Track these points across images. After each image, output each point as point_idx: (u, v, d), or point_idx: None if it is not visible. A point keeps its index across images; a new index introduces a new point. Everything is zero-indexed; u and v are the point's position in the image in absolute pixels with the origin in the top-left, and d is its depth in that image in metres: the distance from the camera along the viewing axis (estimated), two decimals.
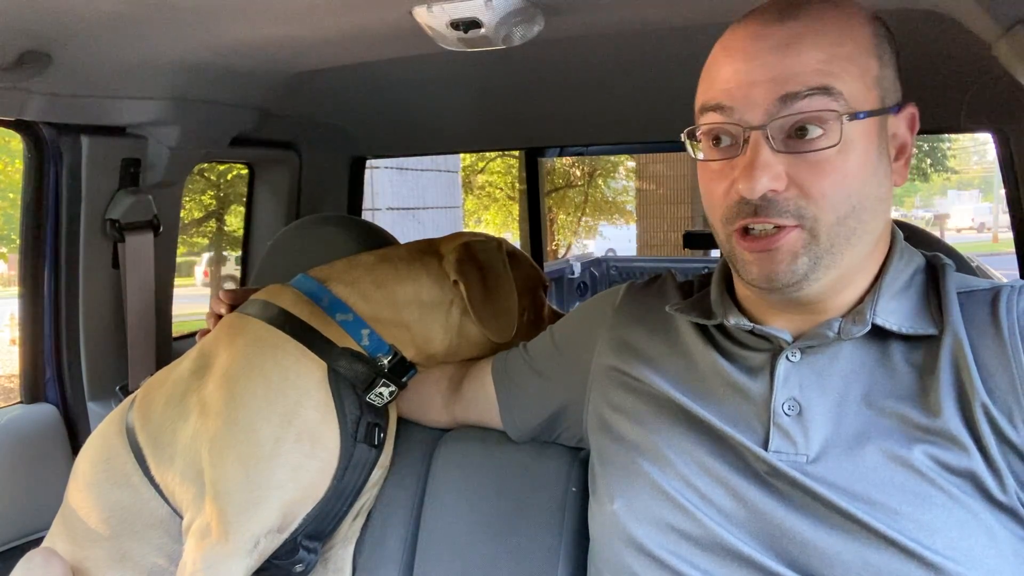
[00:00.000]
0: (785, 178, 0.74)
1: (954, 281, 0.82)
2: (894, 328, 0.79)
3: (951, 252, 0.97)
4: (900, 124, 0.80)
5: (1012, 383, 0.74)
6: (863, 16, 0.78)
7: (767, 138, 0.74)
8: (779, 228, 0.76)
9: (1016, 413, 0.73)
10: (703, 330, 0.91)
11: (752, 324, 0.85)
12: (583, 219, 13.07)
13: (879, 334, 0.80)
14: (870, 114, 0.75)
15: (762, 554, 0.77)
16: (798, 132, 0.74)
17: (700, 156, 0.81)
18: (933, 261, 0.87)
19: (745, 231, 0.78)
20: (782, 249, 0.76)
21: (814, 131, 0.74)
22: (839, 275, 0.79)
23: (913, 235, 0.94)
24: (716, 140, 0.79)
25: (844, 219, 0.75)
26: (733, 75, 0.76)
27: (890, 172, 0.79)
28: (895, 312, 0.80)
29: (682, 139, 0.82)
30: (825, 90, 0.73)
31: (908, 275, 0.84)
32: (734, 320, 0.86)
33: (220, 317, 1.19)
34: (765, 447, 0.80)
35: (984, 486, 0.73)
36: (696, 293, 0.96)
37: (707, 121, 0.79)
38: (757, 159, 0.74)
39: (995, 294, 0.80)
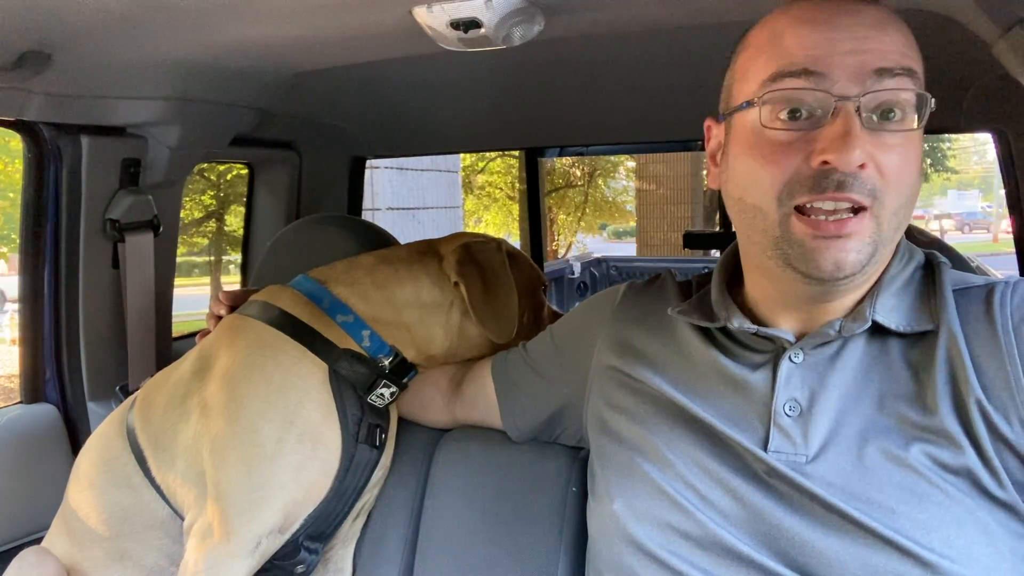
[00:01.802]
0: (869, 157, 0.72)
1: (950, 278, 0.82)
2: (892, 326, 0.79)
3: (949, 250, 0.97)
4: None
5: (1006, 379, 0.74)
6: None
7: (858, 111, 0.71)
8: (853, 212, 0.72)
9: (1011, 409, 0.73)
10: (704, 331, 0.91)
11: (756, 327, 0.85)
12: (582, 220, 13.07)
13: (878, 332, 0.81)
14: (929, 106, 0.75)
15: (761, 554, 0.77)
16: (883, 113, 0.72)
17: (778, 123, 0.75)
18: (931, 258, 0.87)
19: (802, 214, 0.74)
20: (854, 236, 0.73)
21: (897, 113, 0.72)
22: (877, 270, 0.79)
23: (911, 233, 0.94)
24: (794, 112, 0.74)
25: (900, 208, 0.74)
26: (824, 42, 0.73)
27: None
28: (894, 310, 0.80)
29: (753, 102, 0.76)
30: (911, 72, 0.72)
31: (908, 273, 0.84)
32: (738, 323, 0.85)
33: (220, 318, 1.19)
34: (764, 447, 0.80)
35: (981, 483, 0.73)
36: (695, 293, 0.96)
37: (785, 86, 0.74)
38: (853, 129, 0.70)
39: (989, 290, 0.80)
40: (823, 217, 0.73)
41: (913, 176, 0.75)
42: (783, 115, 0.74)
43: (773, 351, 0.84)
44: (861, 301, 0.82)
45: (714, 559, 0.79)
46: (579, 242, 13.69)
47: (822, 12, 0.75)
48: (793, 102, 0.74)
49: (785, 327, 0.84)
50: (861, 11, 0.74)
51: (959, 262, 0.91)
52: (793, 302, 0.83)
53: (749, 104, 0.77)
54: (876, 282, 0.82)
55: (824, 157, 0.71)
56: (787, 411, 0.80)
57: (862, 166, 0.71)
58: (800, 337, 0.83)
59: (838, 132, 0.71)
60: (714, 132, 0.87)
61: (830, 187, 0.72)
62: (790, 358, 0.82)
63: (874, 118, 0.72)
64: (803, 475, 0.77)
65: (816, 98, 0.73)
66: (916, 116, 0.73)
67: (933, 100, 0.73)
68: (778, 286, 0.82)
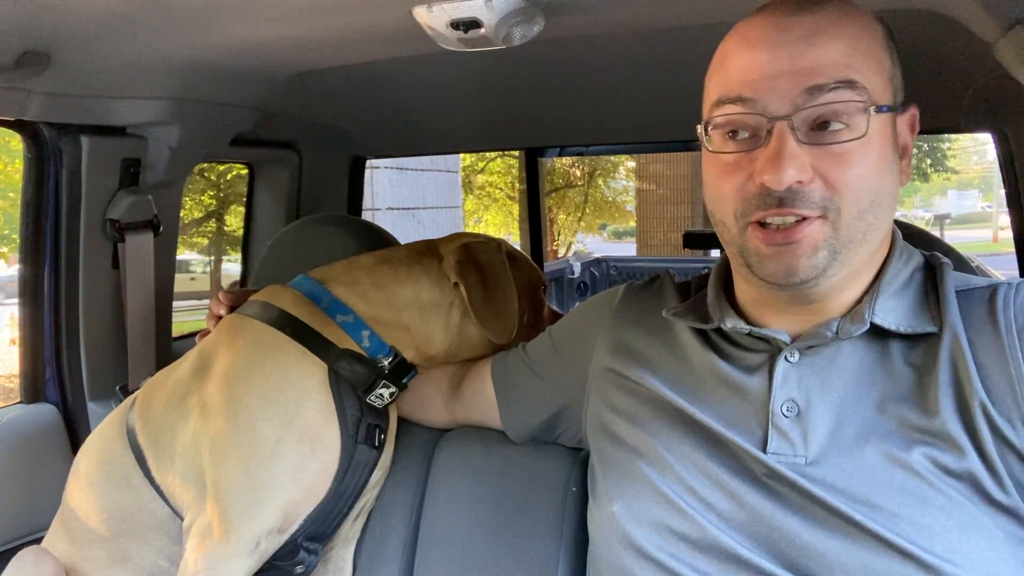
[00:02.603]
0: (810, 170, 0.73)
1: (952, 280, 0.82)
2: (892, 327, 0.79)
3: (950, 251, 0.97)
4: (904, 124, 0.81)
5: (1010, 382, 0.74)
6: (873, 15, 0.79)
7: (792, 129, 0.73)
8: (800, 220, 0.74)
9: (1014, 412, 0.73)
10: (701, 332, 0.91)
11: (749, 327, 0.85)
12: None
13: (878, 334, 0.80)
14: (889, 109, 0.76)
15: (760, 557, 0.76)
16: (822, 125, 0.74)
17: (722, 149, 0.79)
18: (931, 260, 0.86)
19: (761, 225, 0.76)
20: (803, 242, 0.75)
21: (837, 124, 0.73)
22: (850, 272, 0.78)
23: (912, 235, 0.94)
24: (732, 133, 0.77)
25: (863, 213, 0.75)
26: (755, 66, 0.75)
27: (898, 171, 0.80)
28: (893, 311, 0.80)
29: (698, 132, 0.81)
30: (850, 83, 0.73)
31: (907, 274, 0.83)
32: (731, 323, 0.86)
33: (220, 318, 1.19)
34: (763, 449, 0.80)
35: (983, 487, 0.72)
36: (694, 295, 0.96)
37: (725, 112, 0.77)
38: (784, 150, 0.73)
39: (992, 292, 0.80)
40: (776, 226, 0.75)
41: (873, 181, 0.75)
42: (728, 138, 0.78)
43: (769, 352, 0.84)
44: (859, 302, 0.81)
45: (713, 562, 0.78)
46: (579, 242, 13.69)
47: (760, 29, 0.76)
48: (733, 124, 0.77)
49: (778, 327, 0.84)
50: (798, 24, 0.75)
51: (960, 263, 0.91)
52: (778, 304, 0.84)
53: (700, 129, 0.81)
54: (874, 283, 0.81)
55: (759, 179, 0.74)
56: (785, 412, 0.80)
57: (800, 181, 0.73)
58: (796, 338, 0.83)
59: (771, 153, 0.73)
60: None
61: (772, 204, 0.74)
62: (786, 358, 0.82)
63: (818, 127, 0.74)
64: (803, 477, 0.77)
65: (753, 120, 0.75)
66: (863, 123, 0.73)
67: (876, 106, 0.74)
68: (758, 291, 0.84)
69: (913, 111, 0.81)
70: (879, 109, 0.74)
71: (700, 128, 0.81)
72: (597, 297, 1.09)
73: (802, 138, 0.73)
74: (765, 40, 0.75)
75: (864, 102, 0.73)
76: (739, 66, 0.77)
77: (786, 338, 0.82)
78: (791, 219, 0.74)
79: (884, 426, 0.77)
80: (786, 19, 0.75)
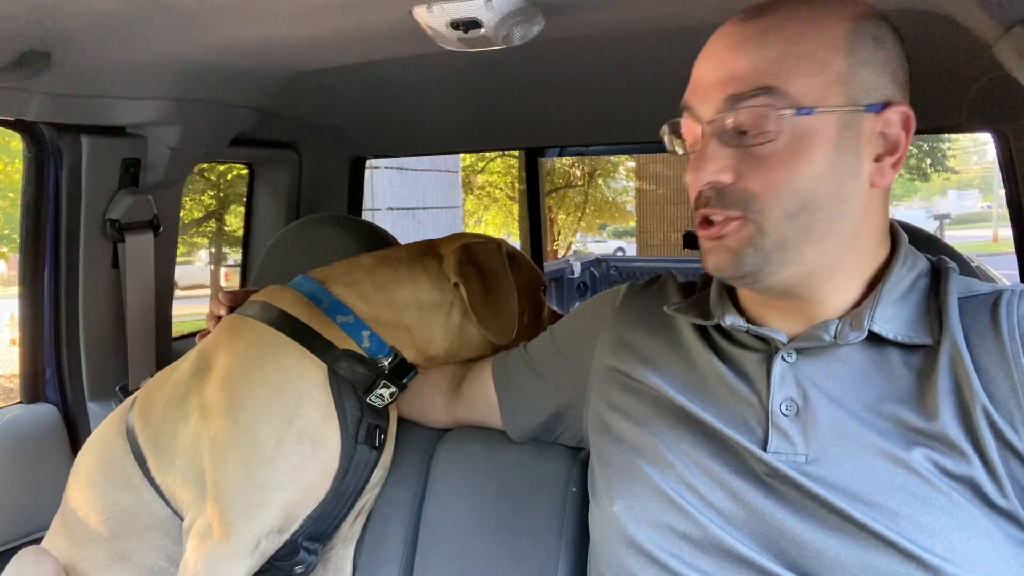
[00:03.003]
0: (732, 172, 0.77)
1: (957, 285, 0.82)
2: (891, 336, 0.79)
3: (952, 254, 0.97)
4: (890, 123, 0.78)
5: (1013, 387, 0.74)
6: (844, 13, 0.78)
7: (716, 133, 0.77)
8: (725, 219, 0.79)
9: (1017, 417, 0.73)
10: (702, 331, 0.91)
11: (748, 325, 0.85)
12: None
13: (876, 339, 0.80)
14: (827, 110, 0.75)
15: (761, 555, 0.76)
16: (739, 132, 0.77)
17: (679, 151, 0.86)
18: (938, 265, 0.86)
19: (707, 221, 0.81)
20: (726, 240, 0.79)
21: (756, 128, 0.76)
22: (804, 272, 0.79)
23: (916, 237, 0.94)
24: (683, 137, 0.84)
25: (795, 215, 0.76)
26: (697, 76, 0.81)
27: (862, 171, 0.78)
28: (893, 319, 0.80)
29: (661, 134, 0.87)
30: (767, 89, 0.75)
31: (910, 280, 0.83)
32: (730, 320, 0.86)
33: (220, 319, 1.19)
34: (764, 448, 0.80)
35: (983, 491, 0.72)
36: (697, 293, 0.96)
37: (680, 118, 0.84)
38: (704, 152, 0.78)
39: (996, 298, 0.79)
40: (713, 223, 0.80)
41: (805, 183, 0.75)
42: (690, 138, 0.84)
43: (767, 351, 0.84)
44: (859, 304, 0.81)
45: (714, 561, 0.78)
46: (578, 242, 13.69)
47: (712, 40, 0.82)
48: (682, 128, 0.84)
49: (776, 326, 0.84)
50: (734, 32, 0.79)
51: (963, 267, 0.91)
52: (771, 302, 0.85)
53: (675, 132, 0.86)
54: (876, 288, 0.81)
55: (687, 178, 0.81)
56: (784, 411, 0.80)
57: (723, 182, 0.77)
58: (794, 338, 0.83)
59: (696, 154, 0.80)
60: None
61: (702, 204, 0.80)
62: (783, 358, 0.82)
63: (737, 135, 0.77)
64: (803, 475, 0.77)
65: (693, 125, 0.81)
66: (778, 127, 0.74)
67: (796, 109, 0.75)
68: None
69: (899, 110, 0.78)
70: (799, 112, 0.74)
71: (665, 128, 0.87)
72: (599, 296, 1.09)
73: (728, 141, 0.77)
74: (708, 50, 0.81)
75: (777, 106, 0.74)
76: (693, 76, 0.83)
77: (783, 338, 0.82)
78: (719, 217, 0.79)
79: (883, 426, 0.77)
80: (732, 27, 0.79)
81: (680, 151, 0.85)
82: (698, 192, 0.80)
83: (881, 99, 0.78)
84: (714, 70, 0.79)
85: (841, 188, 0.77)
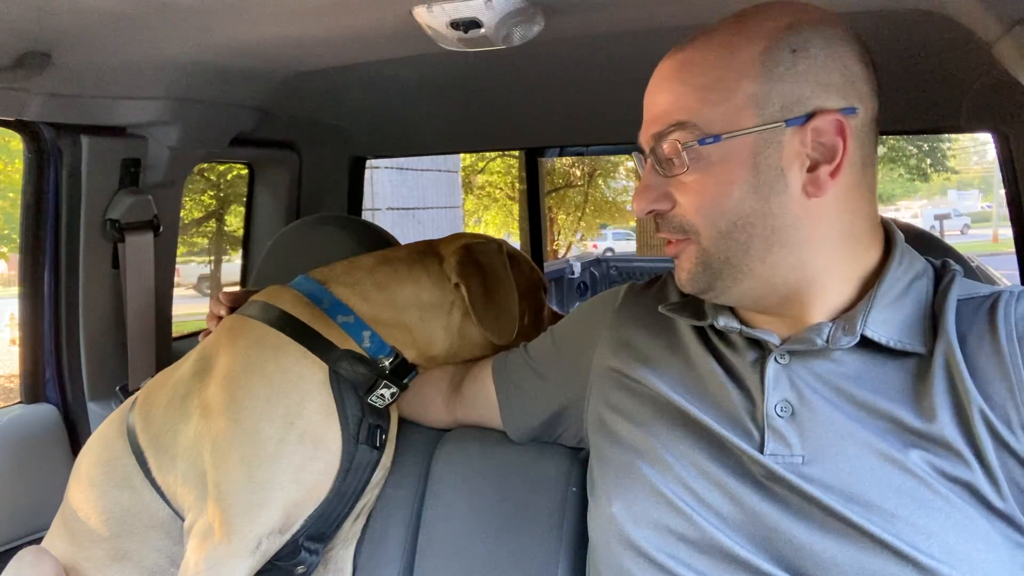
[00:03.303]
0: (668, 200, 0.83)
1: (958, 289, 0.81)
2: (883, 341, 0.79)
3: (951, 255, 0.97)
4: (820, 132, 0.76)
5: (1010, 389, 0.74)
6: (759, 32, 0.77)
7: (653, 164, 0.83)
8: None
9: (1014, 419, 0.73)
10: (701, 332, 0.91)
11: (740, 327, 0.85)
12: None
13: (869, 344, 0.80)
14: (735, 134, 0.77)
15: (759, 557, 0.76)
16: (663, 163, 0.82)
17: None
18: (942, 269, 0.85)
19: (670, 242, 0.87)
20: (680, 258, 0.85)
21: (672, 159, 0.81)
22: (766, 283, 0.81)
23: (918, 239, 0.94)
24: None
25: (729, 233, 0.80)
26: (644, 110, 0.86)
27: (789, 185, 0.77)
28: (886, 323, 0.79)
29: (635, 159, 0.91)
30: (680, 124, 0.79)
31: (906, 282, 0.82)
32: (724, 321, 0.86)
33: (221, 319, 1.19)
34: (761, 450, 0.80)
35: (981, 494, 0.72)
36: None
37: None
38: (644, 182, 0.84)
39: (994, 300, 0.79)
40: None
41: (726, 204, 0.79)
42: None
43: (760, 353, 0.85)
44: (853, 307, 0.81)
45: (712, 563, 0.78)
46: (578, 242, 13.68)
47: (652, 76, 0.86)
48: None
49: (769, 328, 0.84)
50: (658, 71, 0.84)
51: (963, 268, 0.90)
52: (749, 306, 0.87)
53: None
54: (870, 291, 0.81)
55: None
56: (779, 412, 0.80)
57: (661, 210, 0.83)
58: (786, 340, 0.83)
59: (639, 184, 0.86)
60: None
61: (656, 228, 0.86)
62: (776, 359, 0.82)
63: (666, 164, 0.82)
64: (799, 477, 0.76)
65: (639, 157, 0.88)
66: (687, 157, 0.79)
67: (697, 141, 0.78)
68: None
69: (828, 118, 0.76)
70: (704, 140, 0.78)
71: (635, 156, 0.91)
72: (599, 296, 1.09)
73: (660, 172, 0.82)
74: (648, 86, 0.86)
75: (686, 140, 0.78)
76: None
77: (775, 340, 0.83)
78: (672, 239, 0.85)
79: (879, 427, 0.76)
80: (661, 64, 0.84)
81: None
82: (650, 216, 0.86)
83: (805, 111, 0.76)
84: (648, 107, 0.85)
85: (767, 205, 0.78)
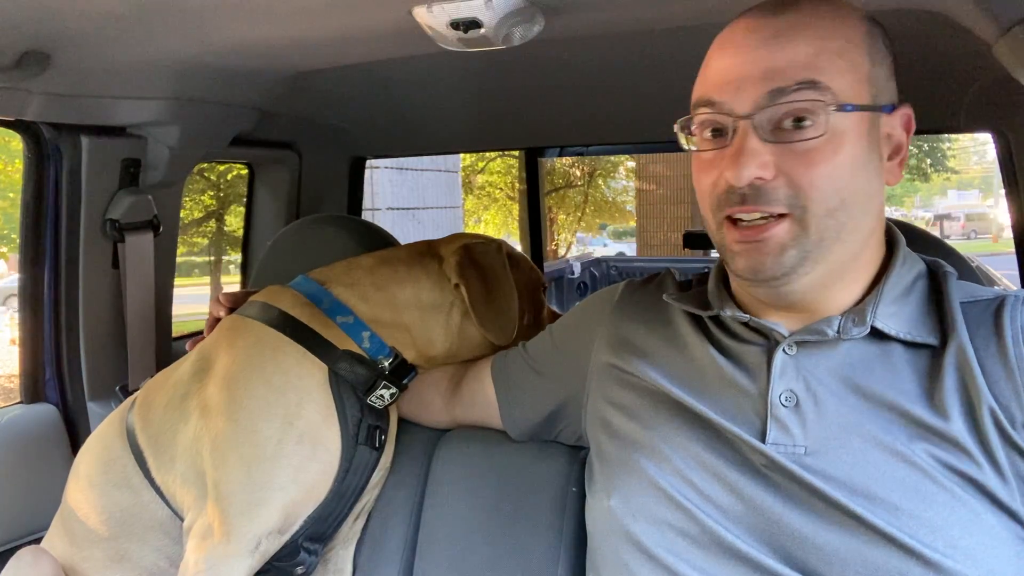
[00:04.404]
0: (773, 168, 0.75)
1: (957, 290, 0.82)
2: (893, 333, 0.79)
3: (953, 255, 0.97)
4: (895, 124, 0.80)
5: (1016, 390, 0.74)
6: (858, 15, 0.79)
7: (755, 127, 0.75)
8: (767, 218, 0.76)
9: (1019, 419, 0.73)
10: (700, 325, 0.91)
11: (748, 316, 0.85)
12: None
13: (879, 336, 0.80)
14: (859, 108, 0.76)
15: (759, 551, 0.76)
16: (791, 123, 0.75)
17: (693, 148, 0.83)
18: (934, 268, 0.86)
19: (733, 222, 0.79)
20: (770, 241, 0.76)
21: (798, 123, 0.75)
22: (827, 271, 0.79)
23: (915, 237, 0.94)
24: (716, 131, 0.80)
25: (834, 212, 0.75)
26: (724, 70, 0.78)
27: (881, 170, 0.80)
28: (895, 316, 0.80)
29: (675, 131, 0.84)
30: (812, 84, 0.74)
31: (909, 280, 0.83)
32: (730, 312, 0.86)
33: (219, 320, 1.19)
34: (762, 439, 0.79)
35: (988, 489, 0.72)
36: (695, 288, 0.97)
37: (699, 114, 0.80)
38: (744, 147, 0.75)
39: (999, 304, 0.80)
40: (745, 224, 0.78)
41: (844, 179, 0.75)
42: (707, 135, 0.81)
43: (767, 345, 0.84)
44: (861, 301, 0.81)
45: (712, 557, 0.78)
46: (578, 241, 13.68)
47: (734, 33, 0.79)
48: (707, 124, 0.80)
49: (776, 320, 0.84)
50: (766, 25, 0.77)
51: (962, 267, 0.91)
52: (764, 302, 0.85)
53: (686, 128, 0.83)
54: (877, 284, 0.81)
55: (724, 176, 0.77)
56: (783, 401, 0.80)
57: (765, 178, 0.75)
58: (794, 331, 0.83)
59: (733, 150, 0.76)
60: None
61: (737, 202, 0.77)
62: (784, 350, 0.82)
63: (784, 126, 0.75)
64: (802, 467, 0.76)
65: (722, 120, 0.78)
66: (823, 122, 0.74)
67: (840, 106, 0.74)
68: (746, 289, 0.86)
69: (905, 111, 0.81)
70: (842, 108, 0.74)
71: (677, 127, 0.83)
72: (597, 294, 1.09)
73: (766, 136, 0.75)
74: (735, 44, 0.78)
75: (825, 101, 0.74)
76: (713, 70, 0.80)
77: (784, 331, 0.83)
78: (757, 216, 0.77)
79: (885, 420, 0.76)
80: (758, 21, 0.77)
81: (695, 149, 0.82)
82: (725, 189, 0.77)
83: (891, 100, 0.79)
84: (749, 63, 0.76)
85: (869, 185, 0.78)
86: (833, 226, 0.76)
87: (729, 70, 0.77)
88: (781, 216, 0.76)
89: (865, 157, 0.77)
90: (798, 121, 0.74)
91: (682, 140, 0.83)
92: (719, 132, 0.79)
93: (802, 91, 0.74)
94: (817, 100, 0.73)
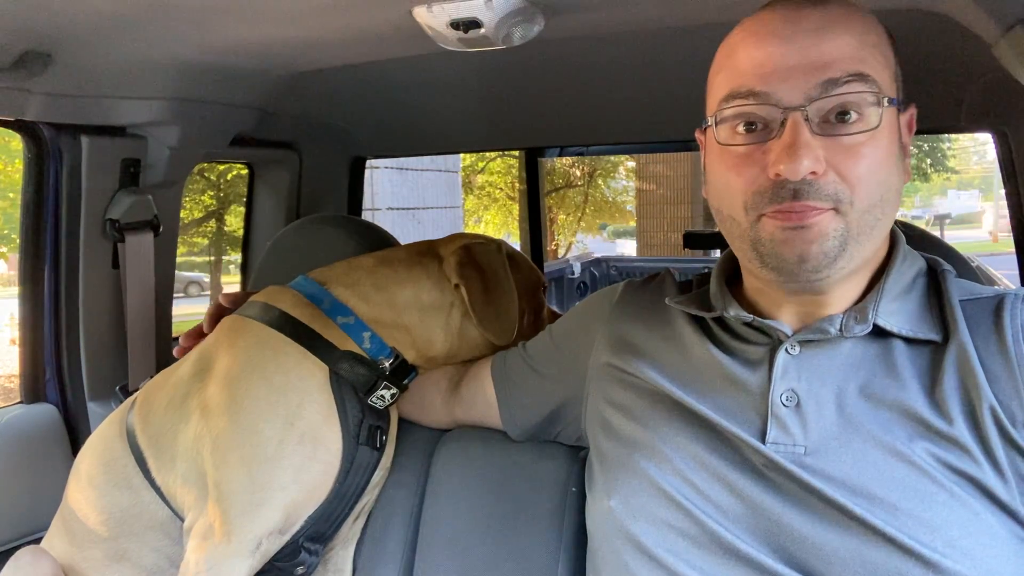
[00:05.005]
0: (824, 162, 0.73)
1: (956, 288, 0.82)
2: (895, 330, 0.79)
3: (951, 254, 0.97)
4: (905, 123, 0.81)
5: (1016, 389, 0.74)
6: (868, 13, 0.80)
7: (807, 120, 0.73)
8: (813, 211, 0.74)
9: (1019, 418, 0.73)
10: (700, 324, 0.91)
11: (751, 316, 0.85)
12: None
13: (881, 334, 0.80)
14: (899, 103, 0.77)
15: (759, 551, 0.76)
16: (836, 116, 0.73)
17: (721, 140, 0.79)
18: (933, 265, 0.86)
19: (774, 215, 0.76)
20: (814, 228, 0.74)
21: (851, 115, 0.73)
22: (855, 266, 0.78)
23: (914, 236, 0.94)
24: (750, 125, 0.77)
25: (872, 207, 0.75)
26: (768, 58, 0.75)
27: (903, 168, 0.80)
28: (897, 313, 0.80)
29: (709, 122, 0.80)
30: (861, 76, 0.73)
31: (910, 278, 0.83)
32: (733, 312, 0.86)
33: (217, 321, 1.18)
34: (762, 440, 0.79)
35: (988, 489, 0.72)
36: (695, 289, 0.97)
37: (736, 106, 0.77)
38: (799, 139, 0.72)
39: (999, 302, 0.80)
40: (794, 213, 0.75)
41: (883, 174, 0.75)
42: (740, 128, 0.77)
43: (769, 344, 0.84)
44: (862, 299, 0.81)
45: (711, 557, 0.78)
46: (579, 241, 13.68)
47: (770, 23, 0.76)
48: (746, 116, 0.77)
49: (781, 320, 0.84)
50: (806, 17, 0.75)
51: (962, 267, 0.91)
52: (784, 298, 0.84)
53: (710, 121, 0.80)
54: (877, 281, 0.82)
55: (775, 169, 0.73)
56: (784, 402, 0.80)
57: (814, 173, 0.72)
58: (797, 331, 0.83)
59: (786, 143, 0.73)
60: (701, 142, 0.88)
61: (787, 197, 0.74)
62: (786, 350, 0.82)
63: (831, 119, 0.74)
64: (801, 467, 0.76)
65: (766, 111, 0.75)
66: (875, 114, 0.73)
67: (888, 99, 0.74)
68: (767, 285, 0.84)
69: (912, 111, 0.82)
70: (890, 102, 0.74)
71: (711, 121, 0.80)
72: (597, 294, 1.09)
73: (815, 130, 0.73)
74: (776, 33, 0.75)
75: (876, 94, 0.73)
76: (750, 60, 0.76)
77: (787, 330, 0.82)
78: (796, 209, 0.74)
79: (885, 420, 0.76)
80: (796, 12, 0.75)
81: (731, 142, 0.78)
82: (771, 184, 0.74)
83: (904, 99, 0.80)
84: (795, 52, 0.73)
85: (899, 182, 0.78)
86: (870, 221, 0.75)
87: (772, 59, 0.74)
88: (826, 211, 0.74)
89: (897, 153, 0.78)
90: (841, 115, 0.73)
91: (716, 132, 0.79)
92: (757, 125, 0.76)
93: (852, 83, 0.72)
94: (866, 92, 0.73)
